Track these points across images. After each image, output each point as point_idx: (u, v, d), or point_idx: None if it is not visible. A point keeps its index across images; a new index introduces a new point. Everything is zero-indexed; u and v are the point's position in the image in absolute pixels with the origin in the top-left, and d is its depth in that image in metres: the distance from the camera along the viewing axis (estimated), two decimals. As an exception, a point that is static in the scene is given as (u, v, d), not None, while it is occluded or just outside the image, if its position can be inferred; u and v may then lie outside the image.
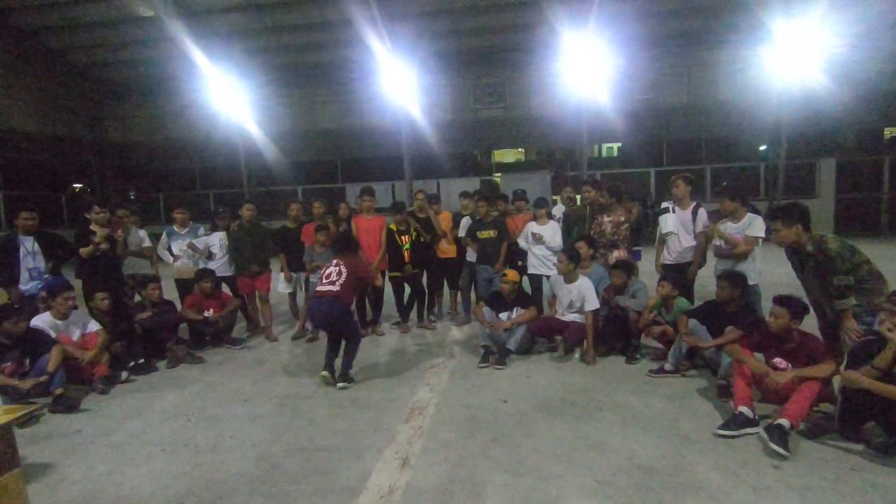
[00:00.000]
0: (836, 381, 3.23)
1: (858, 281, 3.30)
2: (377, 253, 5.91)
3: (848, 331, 3.30)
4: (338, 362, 4.44)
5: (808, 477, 2.69)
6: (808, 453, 2.92)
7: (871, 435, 2.95)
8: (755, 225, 4.42)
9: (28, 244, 5.01)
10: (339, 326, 4.46)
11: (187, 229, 6.17)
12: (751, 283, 4.35)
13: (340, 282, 4.39)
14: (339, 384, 4.27)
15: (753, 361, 3.43)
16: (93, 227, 5.30)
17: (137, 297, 5.64)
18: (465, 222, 6.19)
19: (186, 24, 13.51)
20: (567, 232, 5.78)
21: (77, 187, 19.16)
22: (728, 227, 4.55)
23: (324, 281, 4.46)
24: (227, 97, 14.88)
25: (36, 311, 4.63)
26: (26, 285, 4.97)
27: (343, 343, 4.51)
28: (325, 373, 4.34)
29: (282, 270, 6.09)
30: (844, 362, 3.22)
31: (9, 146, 15.36)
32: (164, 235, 6.22)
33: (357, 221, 6.01)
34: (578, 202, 6.36)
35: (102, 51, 15.85)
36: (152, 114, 17.68)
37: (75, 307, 4.78)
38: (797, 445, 2.99)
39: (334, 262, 4.57)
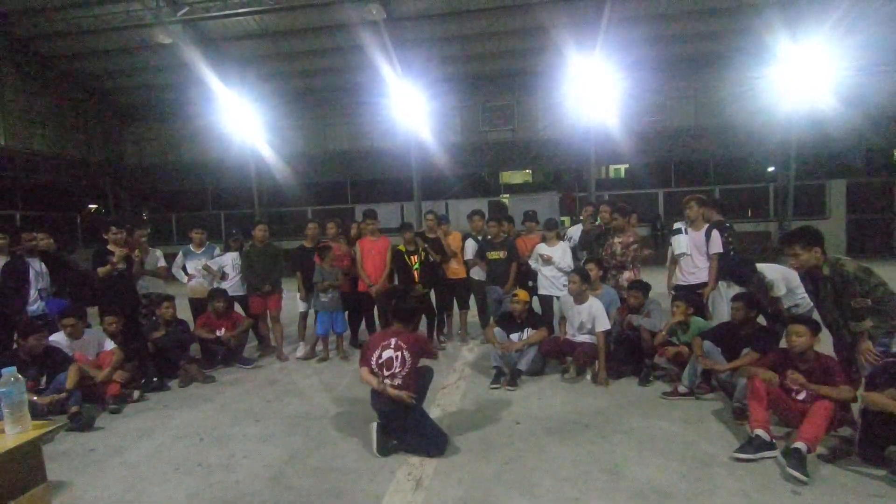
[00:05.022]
0: (857, 405, 3.18)
1: (875, 303, 3.28)
2: (382, 273, 5.95)
3: (864, 352, 3.27)
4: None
5: (829, 502, 2.64)
6: (829, 478, 2.87)
7: (893, 460, 2.89)
8: (794, 295, 4.26)
9: (36, 265, 5.05)
10: (410, 425, 3.41)
11: (203, 249, 6.27)
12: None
13: (404, 373, 3.39)
14: None
15: (767, 373, 3.39)
16: (110, 247, 5.40)
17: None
18: (470, 244, 6.24)
19: (202, 51, 13.90)
20: (588, 248, 5.80)
21: (92, 208, 19.51)
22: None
23: (384, 372, 3.43)
24: (240, 120, 15.20)
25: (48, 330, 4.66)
26: (33, 306, 4.98)
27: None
28: None
29: (298, 290, 6.14)
30: (863, 384, 3.18)
31: (28, 168, 15.74)
32: (179, 255, 6.31)
33: (362, 244, 6.05)
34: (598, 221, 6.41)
35: (121, 76, 16.32)
36: (167, 137, 18.09)
37: (89, 325, 4.84)
38: (817, 470, 2.93)
39: (393, 340, 3.49)
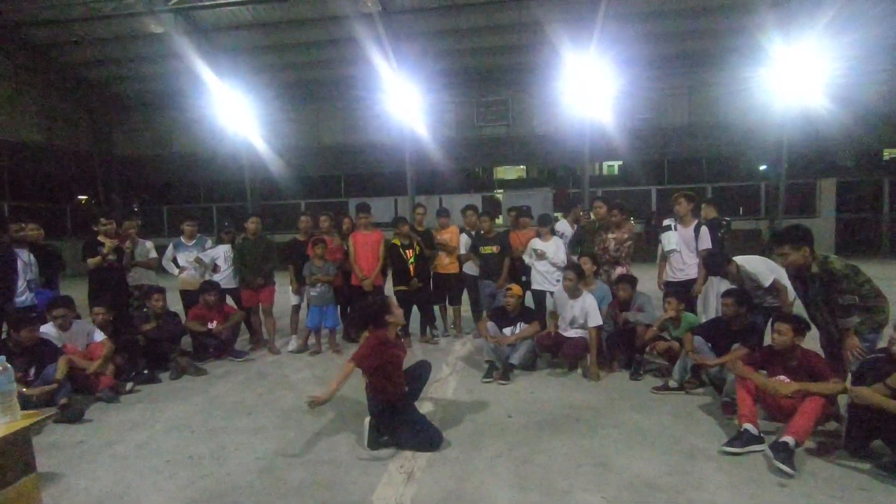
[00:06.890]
0: (843, 399, 3.23)
1: (862, 300, 3.33)
2: (375, 266, 5.94)
3: (851, 348, 3.32)
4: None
5: (815, 495, 2.67)
6: (815, 472, 2.91)
7: (879, 454, 2.94)
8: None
9: (24, 256, 4.95)
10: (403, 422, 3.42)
11: (194, 241, 6.22)
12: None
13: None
14: None
15: (757, 376, 3.43)
16: (100, 238, 5.35)
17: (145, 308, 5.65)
18: (464, 239, 6.26)
19: (195, 41, 13.77)
20: (581, 244, 5.86)
21: (82, 199, 19.30)
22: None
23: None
24: (233, 112, 15.08)
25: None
26: (21, 297, 4.89)
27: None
28: None
29: (291, 283, 6.11)
30: (849, 379, 3.22)
31: (17, 158, 15.53)
32: (170, 247, 6.25)
33: (355, 237, 6.04)
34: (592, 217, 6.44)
35: (112, 66, 16.12)
36: (159, 128, 17.91)
37: (78, 317, 4.79)
38: (804, 463, 2.98)
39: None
